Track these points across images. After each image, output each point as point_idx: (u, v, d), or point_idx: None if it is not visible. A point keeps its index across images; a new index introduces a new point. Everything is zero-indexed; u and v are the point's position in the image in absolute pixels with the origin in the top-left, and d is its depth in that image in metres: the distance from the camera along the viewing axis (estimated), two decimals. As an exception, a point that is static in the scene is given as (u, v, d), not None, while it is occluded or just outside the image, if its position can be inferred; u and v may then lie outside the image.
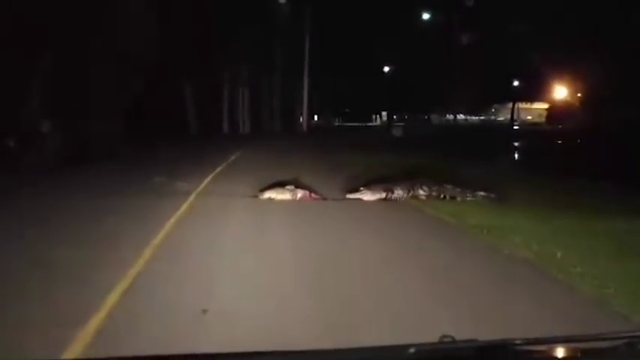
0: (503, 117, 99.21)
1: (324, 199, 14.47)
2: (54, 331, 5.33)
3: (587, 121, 55.64)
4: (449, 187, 14.94)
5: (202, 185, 16.49)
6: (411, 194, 14.56)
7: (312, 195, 14.51)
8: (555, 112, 73.91)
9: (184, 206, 12.79)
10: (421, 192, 14.63)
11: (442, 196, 14.63)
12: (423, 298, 6.71)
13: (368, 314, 6.05)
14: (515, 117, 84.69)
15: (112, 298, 6.32)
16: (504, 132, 66.57)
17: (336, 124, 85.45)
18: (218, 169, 20.61)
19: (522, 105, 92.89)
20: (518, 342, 2.19)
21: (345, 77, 61.24)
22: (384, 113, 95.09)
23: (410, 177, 15.75)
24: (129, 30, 27.61)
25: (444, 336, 2.22)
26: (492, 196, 14.72)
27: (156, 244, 8.98)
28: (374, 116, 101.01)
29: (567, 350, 2.25)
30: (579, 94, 65.07)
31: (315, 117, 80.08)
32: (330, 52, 56.16)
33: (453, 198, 14.56)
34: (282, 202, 13.87)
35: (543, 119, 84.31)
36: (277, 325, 5.66)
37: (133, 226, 10.49)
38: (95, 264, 7.78)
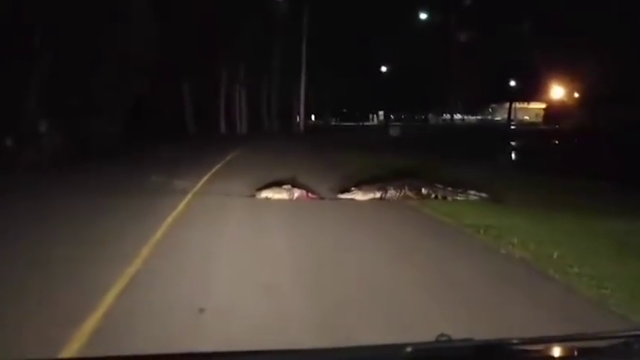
0: (500, 117, 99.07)
1: (321, 198, 14.49)
2: (52, 330, 5.34)
3: (585, 121, 55.62)
4: (440, 186, 14.97)
5: (199, 184, 16.49)
6: (402, 194, 14.56)
7: (309, 194, 14.52)
8: (552, 112, 73.83)
9: (181, 205, 12.79)
10: (412, 192, 14.64)
11: (433, 195, 14.64)
12: (418, 297, 6.72)
13: (365, 312, 6.06)
14: (512, 117, 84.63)
15: (110, 296, 6.33)
16: (501, 132, 66.55)
17: (333, 123, 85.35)
18: (215, 169, 20.61)
19: (519, 105, 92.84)
20: (514, 341, 2.18)
21: (343, 77, 61.16)
22: (381, 113, 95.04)
23: (401, 177, 15.80)
24: (129, 29, 27.58)
25: (441, 335, 2.22)
26: (483, 195, 14.76)
27: (153, 244, 8.98)
28: (371, 116, 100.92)
29: (564, 350, 2.25)
30: (576, 94, 65.08)
31: (313, 117, 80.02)
32: (328, 52, 56.13)
33: (444, 198, 14.58)
34: (278, 201, 13.88)
35: (540, 119, 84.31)
36: (276, 323, 5.68)
37: (130, 226, 10.50)
38: (93, 262, 7.79)
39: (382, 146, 36.76)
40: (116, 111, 29.88)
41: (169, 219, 11.13)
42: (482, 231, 10.38)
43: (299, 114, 59.99)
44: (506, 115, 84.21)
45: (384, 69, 73.61)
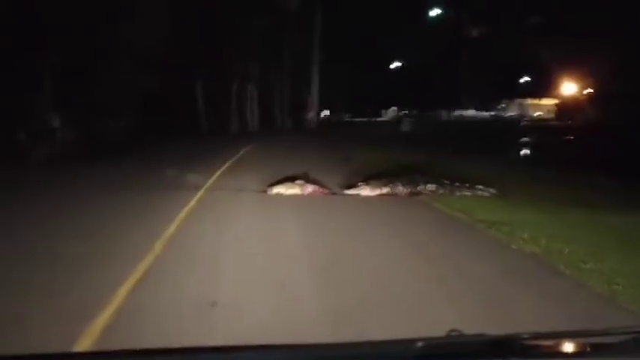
0: (512, 113, 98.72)
1: (333, 193, 14.48)
2: (63, 326, 5.39)
3: (597, 117, 55.35)
4: (447, 182, 14.94)
5: (212, 180, 16.54)
6: (409, 190, 14.53)
7: (321, 190, 14.52)
8: (565, 107, 73.52)
9: (194, 201, 12.84)
10: (419, 187, 14.62)
11: (440, 191, 14.61)
12: (429, 290, 6.72)
13: (379, 307, 6.06)
14: (524, 113, 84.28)
15: (123, 290, 6.38)
16: (513, 127, 66.29)
17: (346, 119, 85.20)
18: (227, 165, 20.66)
19: (531, 101, 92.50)
20: (526, 336, 2.19)
21: (355, 73, 61.04)
22: (393, 108, 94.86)
23: (409, 172, 15.77)
24: (140, 26, 27.68)
25: (452, 330, 2.22)
26: (491, 190, 14.71)
27: (167, 237, 9.04)
28: (383, 111, 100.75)
29: (575, 345, 2.26)
30: (589, 90, 64.79)
31: (325, 112, 79.93)
32: (340, 48, 56.03)
33: (451, 193, 14.54)
34: (290, 197, 13.88)
35: (553, 115, 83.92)
36: (288, 318, 5.70)
37: (144, 220, 10.58)
38: (106, 256, 7.87)
39: (393, 141, 36.65)
40: (127, 108, 30.01)
41: (182, 214, 11.18)
42: (493, 226, 10.36)
43: (311, 110, 59.94)
44: (518, 111, 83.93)
45: (396, 65, 73.48)
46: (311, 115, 59.95)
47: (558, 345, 2.26)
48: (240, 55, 48.23)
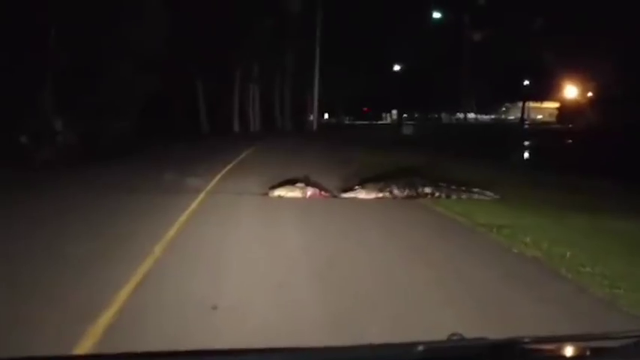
0: (513, 116, 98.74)
1: (334, 196, 14.47)
2: (67, 325, 5.39)
3: (599, 120, 55.33)
4: (443, 185, 14.93)
5: (212, 183, 16.54)
6: (405, 193, 14.51)
7: (322, 193, 14.52)
8: (566, 111, 73.51)
9: (194, 204, 12.83)
10: (415, 191, 14.60)
11: (437, 194, 14.59)
12: (427, 293, 6.72)
13: (378, 309, 6.06)
14: (525, 116, 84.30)
15: (123, 292, 6.38)
16: (514, 131, 66.37)
17: (347, 122, 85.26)
18: (228, 168, 20.66)
19: (533, 104, 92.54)
20: (527, 340, 2.19)
21: (356, 75, 61.01)
22: (394, 112, 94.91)
23: (406, 175, 15.77)
24: (142, 27, 27.70)
25: (453, 334, 2.23)
26: (487, 193, 14.70)
27: (167, 241, 9.04)
28: (384, 114, 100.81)
29: (576, 349, 2.26)
30: (590, 94, 64.79)
31: (326, 115, 79.98)
32: (341, 51, 56.02)
33: (448, 196, 14.52)
34: (291, 199, 13.87)
35: (554, 118, 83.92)
36: (288, 321, 5.69)
37: (144, 223, 10.58)
38: (107, 259, 7.87)
39: (394, 145, 36.71)
40: (129, 110, 30.03)
41: (183, 217, 11.18)
42: (495, 230, 10.35)
43: (312, 113, 59.97)
44: (519, 115, 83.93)
45: (397, 68, 73.50)
46: (312, 117, 59.98)
47: (559, 349, 2.26)
48: (242, 57, 48.23)
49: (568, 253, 8.37)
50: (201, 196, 14.06)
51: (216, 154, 26.38)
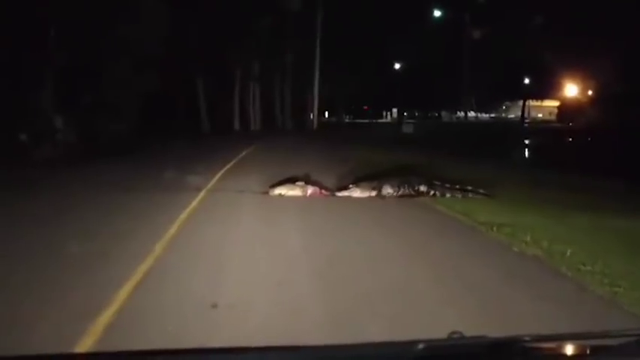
0: (514, 114, 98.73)
1: (334, 195, 14.45)
2: (66, 324, 5.39)
3: (599, 119, 55.35)
4: (438, 183, 14.87)
5: (213, 181, 16.54)
6: (399, 192, 14.47)
7: (322, 191, 14.50)
8: (566, 109, 73.51)
9: (195, 202, 12.84)
10: (409, 189, 14.55)
11: (431, 193, 14.55)
12: (427, 291, 6.73)
13: (378, 308, 6.06)
14: (525, 115, 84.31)
15: (124, 290, 6.38)
16: (515, 129, 66.36)
17: (347, 121, 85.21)
18: (229, 166, 20.67)
19: (533, 103, 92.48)
20: (527, 339, 2.18)
21: (356, 74, 60.96)
22: (394, 110, 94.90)
23: (401, 174, 15.73)
24: (141, 26, 27.70)
25: (453, 332, 2.22)
26: (481, 191, 14.66)
27: (167, 239, 9.04)
28: (384, 113, 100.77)
29: (577, 347, 2.26)
30: (590, 92, 64.81)
31: (326, 114, 79.94)
32: (341, 49, 55.98)
33: (442, 195, 14.48)
34: (292, 198, 13.87)
35: (554, 117, 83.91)
36: (288, 319, 5.70)
37: (144, 222, 10.58)
38: (107, 257, 7.87)
39: (394, 143, 36.71)
40: (129, 108, 30.04)
41: (183, 215, 11.18)
42: (495, 228, 10.34)
43: (312, 111, 59.95)
44: (519, 113, 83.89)
45: (397, 66, 73.49)
46: (312, 116, 59.95)
47: (559, 347, 2.26)
48: (242, 56, 48.20)
49: (568, 252, 8.36)
50: (202, 194, 14.06)
51: (216, 153, 26.38)
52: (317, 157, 24.59)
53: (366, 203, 13.65)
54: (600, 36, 45.28)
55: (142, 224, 10.34)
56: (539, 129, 67.43)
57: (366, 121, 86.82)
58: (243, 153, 26.20)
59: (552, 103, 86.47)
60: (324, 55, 55.65)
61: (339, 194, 14.38)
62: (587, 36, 46.37)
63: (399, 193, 14.41)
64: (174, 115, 44.87)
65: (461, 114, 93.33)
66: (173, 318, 5.69)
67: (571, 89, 69.05)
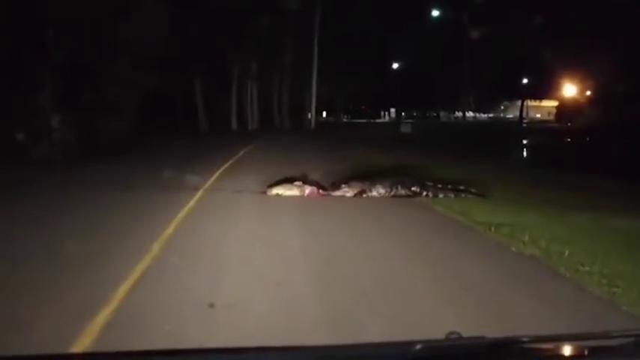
0: (512, 114, 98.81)
1: (331, 194, 14.43)
2: (65, 323, 5.39)
3: (597, 118, 55.38)
4: (430, 184, 14.83)
5: (211, 181, 16.53)
6: (391, 192, 14.44)
7: (320, 191, 14.49)
8: (565, 109, 73.56)
9: (193, 201, 12.83)
10: (402, 190, 14.52)
11: (424, 193, 14.53)
12: (425, 291, 6.73)
13: (377, 308, 6.06)
14: (524, 115, 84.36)
15: (122, 289, 6.38)
16: (513, 129, 66.39)
17: (345, 120, 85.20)
18: (226, 165, 20.66)
19: (531, 103, 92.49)
20: (525, 339, 2.18)
21: (354, 74, 60.95)
22: (392, 110, 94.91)
23: (394, 174, 15.73)
24: (140, 25, 27.68)
25: (451, 332, 2.22)
26: (473, 191, 14.64)
27: (165, 238, 9.04)
28: (383, 113, 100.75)
29: (575, 348, 2.25)
30: (589, 92, 64.86)
31: (324, 114, 79.91)
32: (339, 49, 55.95)
33: (435, 195, 14.46)
34: (289, 198, 13.86)
35: (553, 117, 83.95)
36: (286, 319, 5.69)
37: (142, 221, 10.58)
38: (105, 256, 7.87)
39: (392, 143, 36.72)
40: (127, 107, 30.01)
41: (181, 214, 11.17)
42: (493, 229, 10.33)
43: (310, 111, 59.94)
44: (518, 113, 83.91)
45: (395, 66, 73.49)
46: (310, 116, 59.95)
47: (557, 348, 2.26)
48: (240, 55, 48.18)
49: (567, 252, 8.36)
50: (200, 193, 14.05)
51: (214, 152, 26.37)
52: (315, 157, 24.59)
53: (364, 203, 13.65)
54: (599, 36, 45.30)
55: (140, 224, 10.33)
56: (538, 129, 67.46)
57: (364, 120, 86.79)
58: (241, 152, 26.20)
59: (551, 103, 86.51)
60: (322, 54, 55.64)
61: (334, 194, 14.37)
62: (585, 36, 46.39)
63: (392, 193, 14.38)
64: (172, 114, 44.84)
65: (459, 114, 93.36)
66: (171, 317, 5.68)
67: (569, 89, 69.13)
